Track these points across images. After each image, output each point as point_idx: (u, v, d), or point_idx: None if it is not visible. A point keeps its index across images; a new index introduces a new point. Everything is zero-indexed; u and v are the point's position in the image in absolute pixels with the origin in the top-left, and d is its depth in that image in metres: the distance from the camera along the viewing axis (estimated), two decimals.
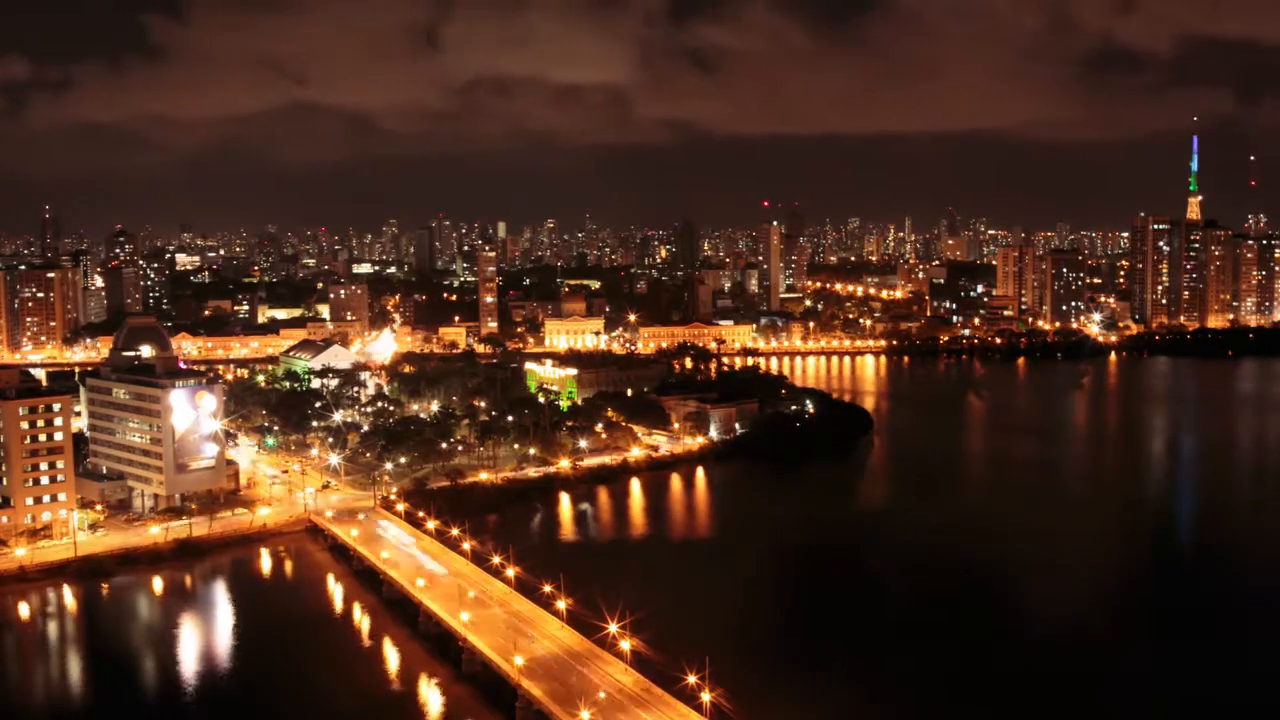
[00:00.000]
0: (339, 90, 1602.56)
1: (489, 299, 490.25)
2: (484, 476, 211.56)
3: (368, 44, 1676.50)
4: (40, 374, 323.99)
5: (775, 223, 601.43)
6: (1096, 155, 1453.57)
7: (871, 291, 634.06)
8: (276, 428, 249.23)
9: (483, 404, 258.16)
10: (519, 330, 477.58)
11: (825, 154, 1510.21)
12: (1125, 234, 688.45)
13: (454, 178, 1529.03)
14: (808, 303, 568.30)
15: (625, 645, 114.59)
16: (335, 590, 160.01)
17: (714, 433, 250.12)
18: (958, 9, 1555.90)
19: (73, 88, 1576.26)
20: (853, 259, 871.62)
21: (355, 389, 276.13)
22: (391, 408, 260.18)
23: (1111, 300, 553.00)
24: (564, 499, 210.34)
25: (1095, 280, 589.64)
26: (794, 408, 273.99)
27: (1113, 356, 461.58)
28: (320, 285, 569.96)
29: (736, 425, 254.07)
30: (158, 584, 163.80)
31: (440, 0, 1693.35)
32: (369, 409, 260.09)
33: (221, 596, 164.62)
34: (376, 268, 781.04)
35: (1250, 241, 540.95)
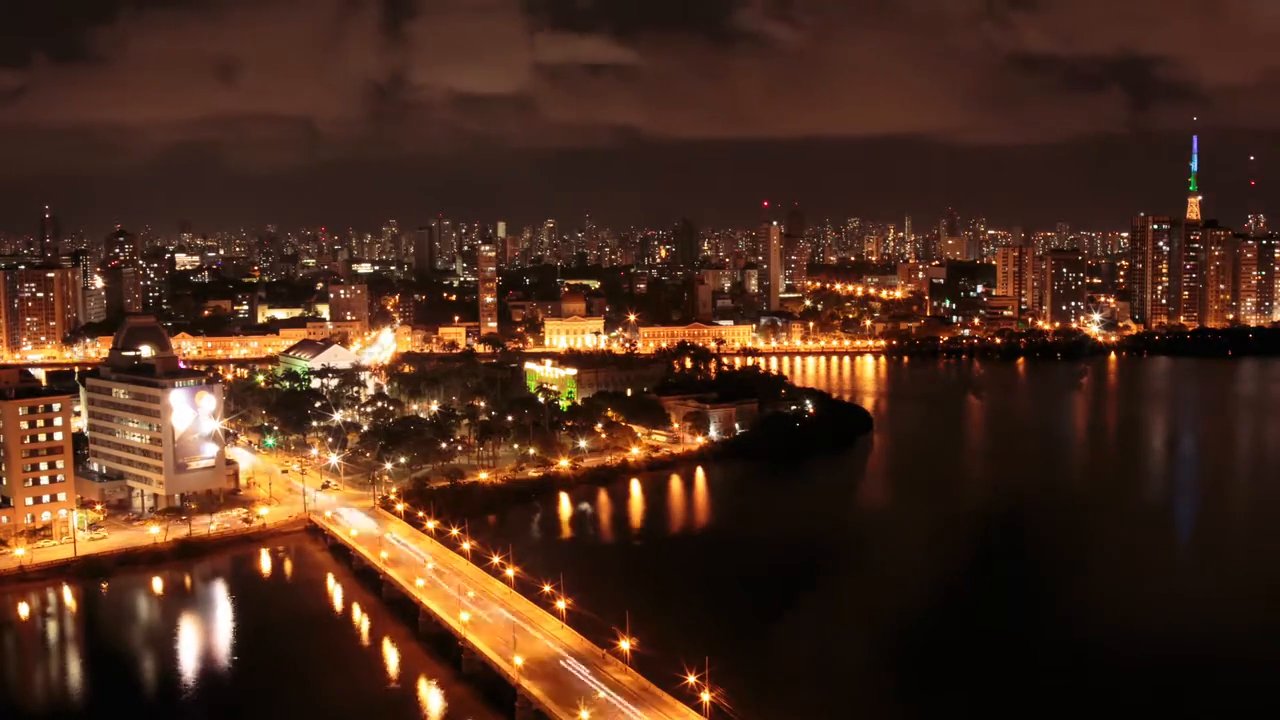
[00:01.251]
0: (275, 96, 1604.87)
1: (489, 299, 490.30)
2: (484, 476, 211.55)
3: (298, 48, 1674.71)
4: (40, 374, 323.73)
5: (775, 223, 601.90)
6: (1006, 158, 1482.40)
7: (871, 291, 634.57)
8: (276, 427, 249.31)
9: (483, 404, 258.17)
10: (519, 330, 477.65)
11: (757, 156, 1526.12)
12: (1125, 234, 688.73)
13: (395, 180, 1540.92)
14: (808, 303, 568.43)
15: (625, 645, 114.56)
16: (335, 590, 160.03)
17: (714, 433, 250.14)
18: (876, 18, 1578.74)
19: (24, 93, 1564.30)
20: (852, 259, 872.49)
21: (355, 389, 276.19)
22: (391, 408, 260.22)
23: (1111, 300, 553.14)
24: (564, 499, 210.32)
25: (1095, 280, 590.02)
26: (794, 408, 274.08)
27: (1112, 356, 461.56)
28: (320, 285, 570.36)
29: (736, 425, 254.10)
30: (158, 584, 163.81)
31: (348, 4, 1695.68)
32: (369, 409, 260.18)
33: (221, 596, 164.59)
34: (376, 268, 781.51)
35: (1250, 241, 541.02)
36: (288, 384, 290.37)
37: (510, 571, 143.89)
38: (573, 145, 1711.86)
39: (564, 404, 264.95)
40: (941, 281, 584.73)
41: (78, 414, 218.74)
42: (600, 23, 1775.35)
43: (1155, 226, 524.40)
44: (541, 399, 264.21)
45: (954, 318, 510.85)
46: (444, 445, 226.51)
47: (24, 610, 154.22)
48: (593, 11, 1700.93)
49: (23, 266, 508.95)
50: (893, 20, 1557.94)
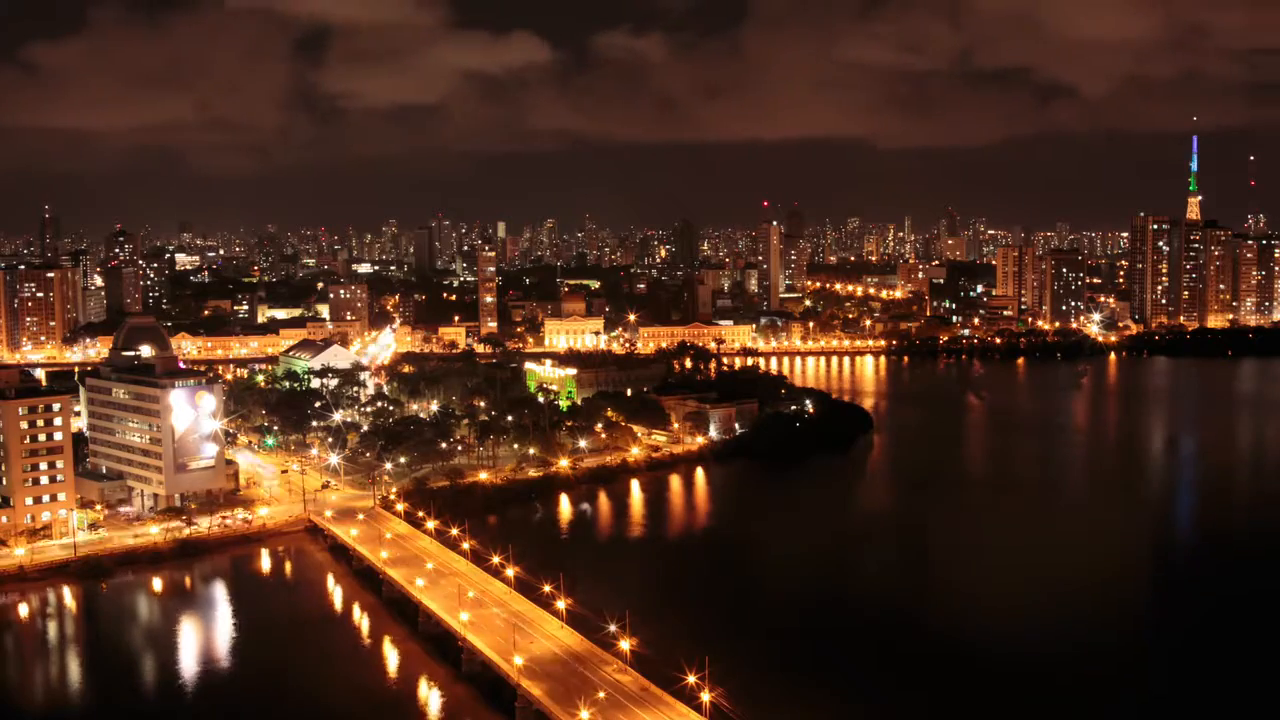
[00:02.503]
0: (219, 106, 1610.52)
1: (489, 299, 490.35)
2: (484, 476, 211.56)
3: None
4: (40, 374, 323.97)
5: (775, 223, 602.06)
6: (919, 162, 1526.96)
7: (871, 291, 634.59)
8: (276, 427, 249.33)
9: (482, 404, 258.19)
10: (519, 330, 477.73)
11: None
12: (1125, 234, 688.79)
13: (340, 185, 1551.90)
14: (807, 303, 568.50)
15: (625, 645, 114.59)
16: (335, 590, 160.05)
17: (714, 433, 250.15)
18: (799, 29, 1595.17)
19: None
20: (852, 259, 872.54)
21: (355, 389, 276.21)
22: (391, 408, 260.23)
23: (1111, 300, 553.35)
24: (564, 499, 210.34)
25: (1095, 280, 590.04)
26: (794, 407, 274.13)
27: (1112, 356, 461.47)
28: (320, 285, 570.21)
29: (736, 425, 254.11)
30: (158, 584, 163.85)
31: None
32: (368, 409, 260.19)
33: (221, 596, 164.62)
34: (376, 268, 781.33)
35: (1250, 241, 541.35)
36: (288, 384, 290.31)
37: (510, 571, 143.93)
38: (509, 149, 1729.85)
39: (564, 404, 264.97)
40: (941, 281, 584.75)
41: (78, 414, 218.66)
42: (521, 24, 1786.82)
43: (1155, 226, 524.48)
44: (541, 399, 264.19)
45: (954, 318, 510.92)
46: (444, 445, 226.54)
47: (24, 610, 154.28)
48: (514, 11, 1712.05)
49: (23, 266, 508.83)
50: (816, 28, 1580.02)
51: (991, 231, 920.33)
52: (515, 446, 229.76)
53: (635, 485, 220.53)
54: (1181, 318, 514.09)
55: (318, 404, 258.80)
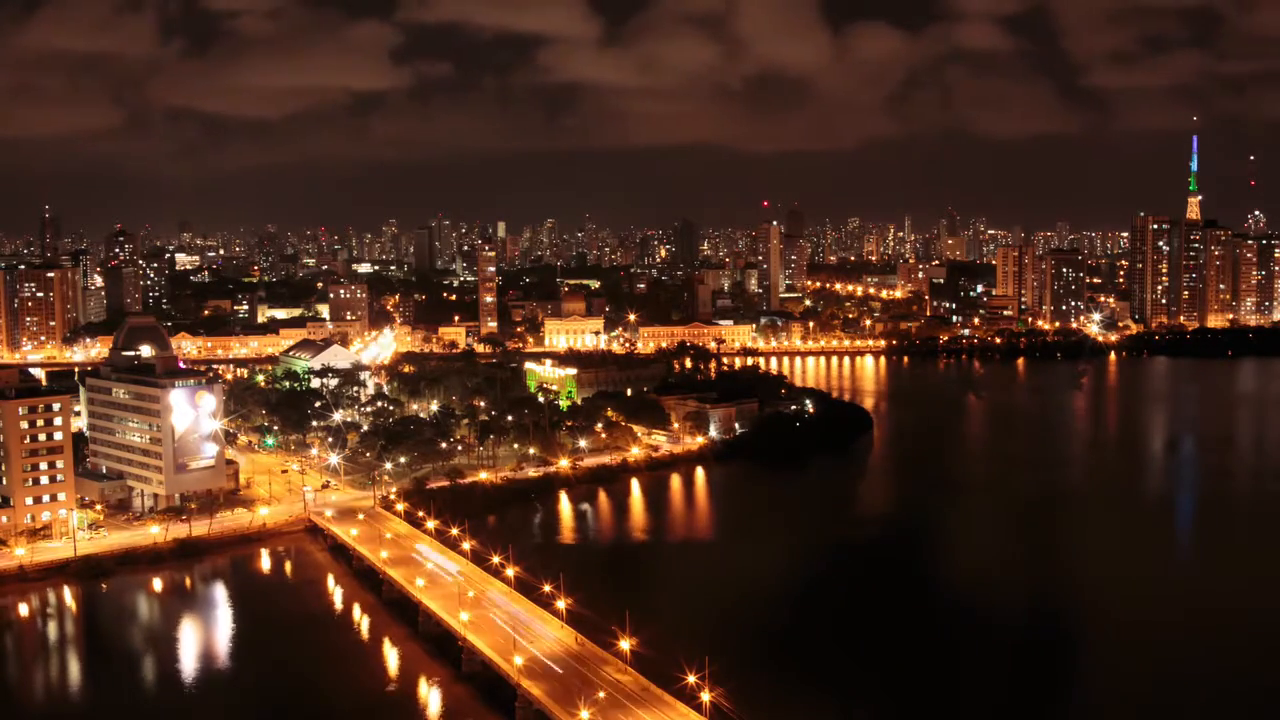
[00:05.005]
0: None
1: (489, 299, 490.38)
2: (484, 476, 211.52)
3: None
4: (40, 374, 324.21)
5: (775, 223, 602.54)
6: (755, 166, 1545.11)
7: (871, 291, 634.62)
8: (276, 427, 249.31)
9: (482, 404, 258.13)
10: (519, 330, 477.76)
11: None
12: (1125, 234, 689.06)
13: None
14: (807, 303, 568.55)
15: (625, 645, 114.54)
16: (335, 590, 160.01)
17: (714, 432, 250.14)
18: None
19: None
20: (852, 259, 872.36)
21: (355, 389, 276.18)
22: (391, 407, 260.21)
23: (1111, 300, 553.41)
24: (564, 499, 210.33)
25: (1095, 280, 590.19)
26: (794, 407, 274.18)
27: (1112, 356, 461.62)
28: (320, 285, 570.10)
29: (736, 425, 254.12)
30: (158, 584, 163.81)
31: None
32: (368, 409, 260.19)
33: (221, 596, 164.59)
34: (376, 268, 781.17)
35: (1250, 241, 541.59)
36: (288, 384, 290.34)
37: (510, 571, 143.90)
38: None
39: (564, 404, 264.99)
40: (941, 281, 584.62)
41: (78, 414, 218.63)
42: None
43: (1155, 226, 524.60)
44: (541, 399, 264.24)
45: (954, 318, 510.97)
46: (444, 445, 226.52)
47: (24, 610, 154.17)
48: None
49: (23, 266, 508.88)
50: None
51: (991, 231, 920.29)
52: (515, 446, 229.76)
53: (635, 485, 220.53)
54: (1181, 318, 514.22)
55: (318, 404, 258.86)
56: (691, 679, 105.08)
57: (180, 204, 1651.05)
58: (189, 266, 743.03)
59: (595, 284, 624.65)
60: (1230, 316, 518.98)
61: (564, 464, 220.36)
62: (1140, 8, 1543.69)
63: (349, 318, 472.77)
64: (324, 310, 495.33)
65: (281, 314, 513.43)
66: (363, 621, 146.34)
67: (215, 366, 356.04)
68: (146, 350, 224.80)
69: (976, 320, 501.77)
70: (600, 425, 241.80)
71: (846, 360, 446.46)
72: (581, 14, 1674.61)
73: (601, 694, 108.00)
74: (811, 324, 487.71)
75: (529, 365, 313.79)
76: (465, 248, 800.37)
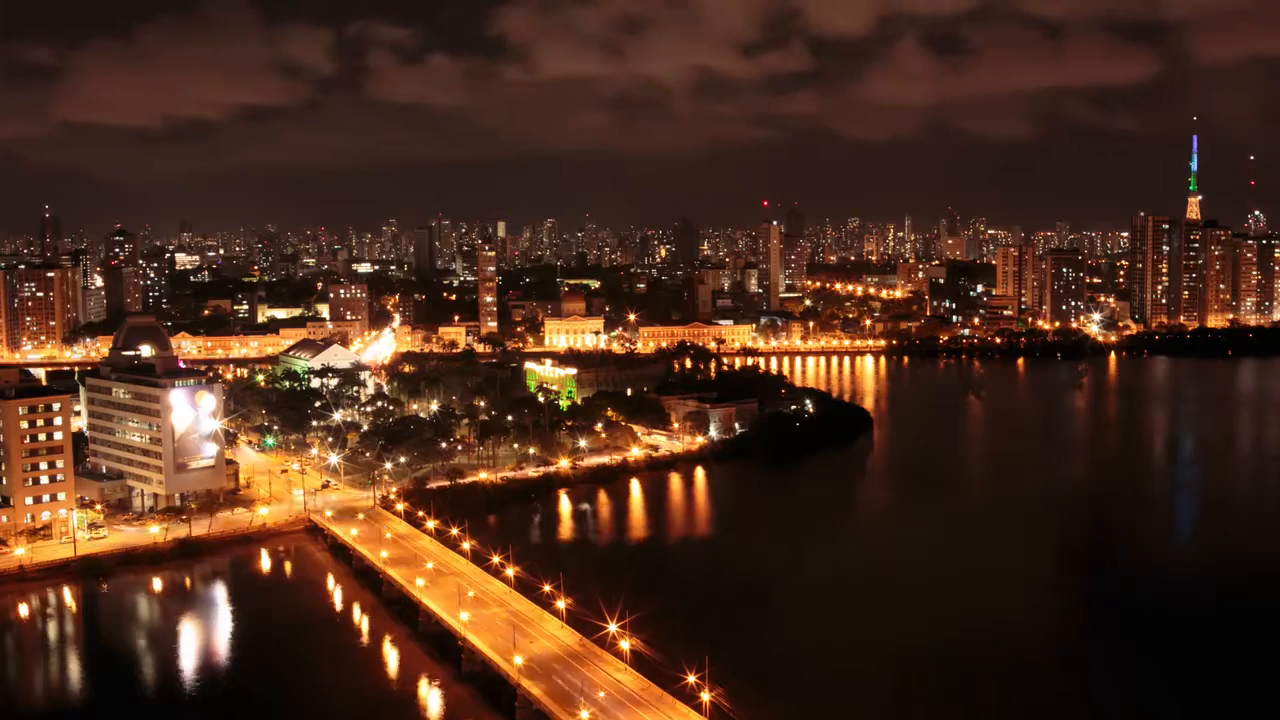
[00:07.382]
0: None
1: (489, 299, 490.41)
2: (484, 476, 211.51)
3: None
4: (40, 373, 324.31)
5: (775, 222, 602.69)
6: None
7: (871, 291, 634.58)
8: (276, 427, 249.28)
9: (483, 404, 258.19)
10: (519, 330, 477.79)
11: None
12: (1125, 234, 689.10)
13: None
14: (807, 302, 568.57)
15: (625, 645, 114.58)
16: (335, 590, 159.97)
17: (714, 432, 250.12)
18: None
19: None
20: (852, 259, 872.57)
21: (355, 389, 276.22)
22: (391, 407, 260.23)
23: (1111, 300, 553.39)
24: (564, 499, 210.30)
25: (1095, 280, 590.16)
26: (794, 407, 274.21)
27: (1112, 356, 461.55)
28: (320, 285, 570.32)
29: (736, 425, 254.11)
30: (158, 584, 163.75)
31: None
32: (369, 409, 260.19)
33: (221, 596, 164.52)
34: (376, 268, 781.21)
35: (1250, 241, 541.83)
36: (288, 384, 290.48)
37: (510, 571, 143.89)
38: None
39: (564, 404, 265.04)
40: (941, 281, 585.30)
41: (78, 414, 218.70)
42: None
43: (1155, 226, 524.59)
44: (541, 399, 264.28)
45: (954, 317, 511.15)
46: (444, 445, 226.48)
47: (24, 610, 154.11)
48: None
49: (23, 266, 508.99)
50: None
51: (991, 231, 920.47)
52: (515, 446, 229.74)
53: (635, 485, 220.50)
54: (1181, 317, 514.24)
55: (318, 404, 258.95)
56: (691, 679, 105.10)
57: (180, 205, 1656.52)
58: (189, 266, 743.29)
59: (595, 284, 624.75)
60: (1230, 316, 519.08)
61: (564, 464, 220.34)
62: None
63: (349, 318, 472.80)
64: (324, 310, 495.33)
65: (281, 314, 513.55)
66: (363, 621, 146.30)
67: (215, 366, 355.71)
68: (146, 350, 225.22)
69: (976, 320, 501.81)
70: (600, 425, 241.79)
71: (846, 360, 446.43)
72: None
73: (601, 694, 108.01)
74: (811, 324, 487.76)
75: (529, 365, 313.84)
76: (465, 248, 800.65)
